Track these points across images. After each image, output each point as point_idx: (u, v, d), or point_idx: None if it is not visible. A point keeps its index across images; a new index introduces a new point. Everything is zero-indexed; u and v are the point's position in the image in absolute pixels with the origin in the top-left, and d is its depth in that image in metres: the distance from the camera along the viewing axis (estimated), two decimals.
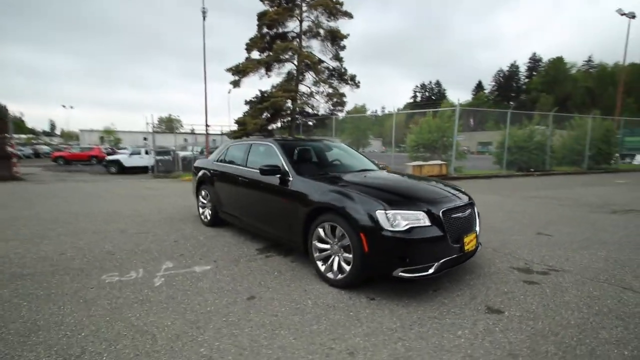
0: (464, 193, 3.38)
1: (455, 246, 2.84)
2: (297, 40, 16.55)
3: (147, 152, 19.43)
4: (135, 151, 20.31)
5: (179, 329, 2.35)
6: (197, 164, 5.89)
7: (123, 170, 18.21)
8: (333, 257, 3.07)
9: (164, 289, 3.02)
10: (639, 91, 52.06)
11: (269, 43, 16.54)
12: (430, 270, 2.70)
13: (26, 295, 2.87)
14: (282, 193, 3.62)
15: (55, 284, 3.10)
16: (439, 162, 12.88)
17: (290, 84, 16.39)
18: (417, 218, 2.72)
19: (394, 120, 14.30)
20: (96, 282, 3.15)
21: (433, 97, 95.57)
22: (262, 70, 16.91)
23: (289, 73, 18.31)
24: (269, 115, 16.68)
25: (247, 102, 16.50)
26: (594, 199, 8.08)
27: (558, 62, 77.83)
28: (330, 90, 16.61)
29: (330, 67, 17.13)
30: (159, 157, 17.10)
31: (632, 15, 18.07)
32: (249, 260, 3.77)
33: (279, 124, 18.18)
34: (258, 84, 18.71)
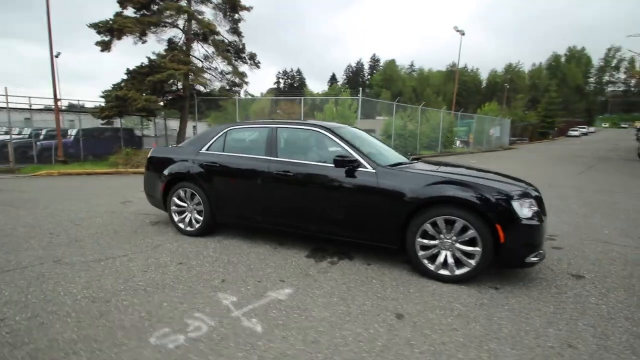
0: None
1: None
2: (186, 2, 13.89)
3: None
4: None
5: None
6: (158, 153, 4.33)
7: None
8: (445, 253, 2.89)
9: (278, 332, 2.15)
10: (445, 91, 69.86)
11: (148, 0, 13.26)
12: (542, 251, 2.92)
13: None
14: (359, 187, 3.11)
15: None
16: None
17: (178, 54, 13.73)
18: (533, 205, 2.86)
19: (302, 107, 14.23)
20: (154, 353, 1.94)
21: (295, 85, 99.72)
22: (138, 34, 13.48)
23: (170, 41, 15.32)
24: (149, 90, 13.58)
25: (129, 72, 12.74)
26: None
27: (392, 63, 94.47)
28: (230, 68, 14.87)
29: (227, 41, 15.28)
30: None
31: (463, 33, 23.87)
32: (320, 271, 3.10)
33: (161, 102, 15.12)
34: (126, 50, 14.41)
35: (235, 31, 15.19)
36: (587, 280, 3.03)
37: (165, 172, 4.06)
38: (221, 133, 3.94)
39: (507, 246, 2.69)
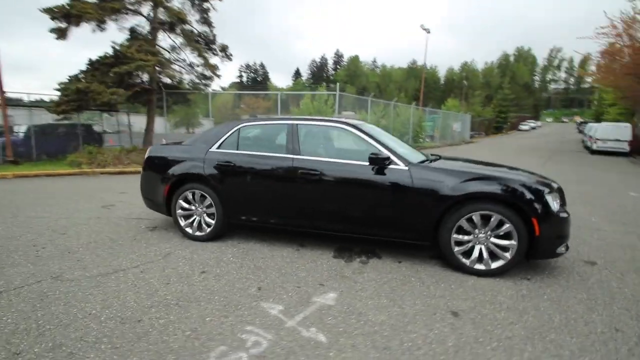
0: None
1: None
2: None
3: None
4: None
5: None
6: (159, 152, 3.96)
7: None
8: (479, 247, 2.93)
9: (344, 340, 2.05)
10: (407, 87, 72.45)
11: None
12: (567, 242, 3.06)
13: None
14: (392, 185, 3.06)
15: None
16: None
17: (144, 44, 12.69)
18: (558, 198, 2.99)
19: (279, 102, 13.87)
20: None
21: (258, 79, 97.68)
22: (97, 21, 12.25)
23: (132, 30, 14.15)
24: (113, 83, 12.43)
25: (92, 63, 11.53)
26: None
27: (355, 59, 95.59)
28: (201, 60, 14.06)
29: (196, 32, 14.43)
30: None
31: (428, 31, 24.71)
32: (355, 272, 3.02)
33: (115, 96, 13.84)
34: (71, 40, 12.73)
35: (205, 21, 14.35)
36: (600, 265, 3.24)
37: (170, 172, 3.72)
38: (234, 130, 3.67)
39: (541, 239, 2.78)
